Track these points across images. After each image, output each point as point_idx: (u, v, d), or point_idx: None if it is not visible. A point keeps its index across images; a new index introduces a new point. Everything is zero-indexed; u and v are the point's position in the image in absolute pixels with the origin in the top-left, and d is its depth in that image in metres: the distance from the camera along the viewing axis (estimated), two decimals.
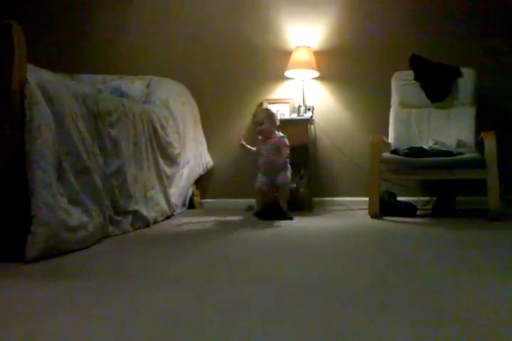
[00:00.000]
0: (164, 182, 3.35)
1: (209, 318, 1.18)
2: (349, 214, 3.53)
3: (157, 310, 1.25)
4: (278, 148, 3.22)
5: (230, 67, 4.27)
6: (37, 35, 4.36)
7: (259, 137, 3.33)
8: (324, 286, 1.47)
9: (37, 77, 2.13)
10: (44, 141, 2.02)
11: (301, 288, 1.45)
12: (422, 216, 3.33)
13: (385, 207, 3.31)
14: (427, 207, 3.61)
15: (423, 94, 3.68)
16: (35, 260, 1.87)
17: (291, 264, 1.80)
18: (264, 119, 3.23)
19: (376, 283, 1.50)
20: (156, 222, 3.06)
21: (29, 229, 1.90)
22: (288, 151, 3.24)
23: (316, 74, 4.01)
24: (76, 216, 2.14)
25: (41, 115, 2.04)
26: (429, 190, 3.84)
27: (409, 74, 3.75)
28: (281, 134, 3.29)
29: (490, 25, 3.85)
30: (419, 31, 3.97)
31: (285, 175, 3.25)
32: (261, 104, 4.10)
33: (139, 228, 2.81)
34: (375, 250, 2.10)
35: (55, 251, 1.97)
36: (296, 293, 1.38)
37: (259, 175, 3.33)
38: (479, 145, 3.24)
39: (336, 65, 4.11)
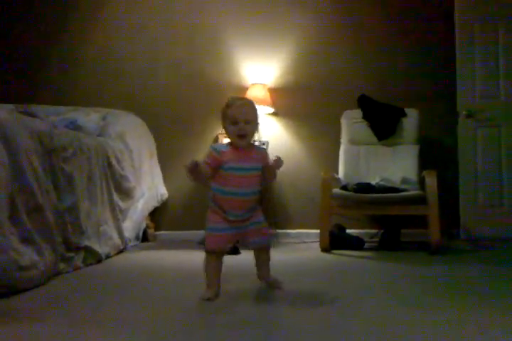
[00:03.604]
0: (118, 216, 3.37)
1: None
2: (301, 247, 3.62)
3: None
4: (258, 167, 1.96)
5: (186, 100, 4.36)
6: None
7: (240, 142, 1.93)
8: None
9: None
10: None
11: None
12: (369, 248, 3.46)
13: (335, 240, 3.43)
14: (375, 239, 3.76)
15: (370, 132, 3.87)
16: None
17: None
18: (248, 117, 1.92)
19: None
20: (108, 256, 3.06)
21: None
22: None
23: (271, 110, 4.15)
24: (27, 255, 2.14)
25: None
26: (377, 222, 4.00)
27: (358, 112, 3.95)
28: (258, 145, 2.24)
29: (433, 65, 4.11)
30: (368, 73, 4.19)
31: (263, 223, 2.03)
32: (229, 106, 2.03)
33: (91, 264, 2.81)
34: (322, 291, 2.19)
35: (5, 291, 1.97)
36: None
37: (212, 218, 1.96)
38: (422, 182, 3.42)
39: (290, 101, 4.27)
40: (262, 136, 4.14)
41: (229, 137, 1.97)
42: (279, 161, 1.96)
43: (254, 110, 1.99)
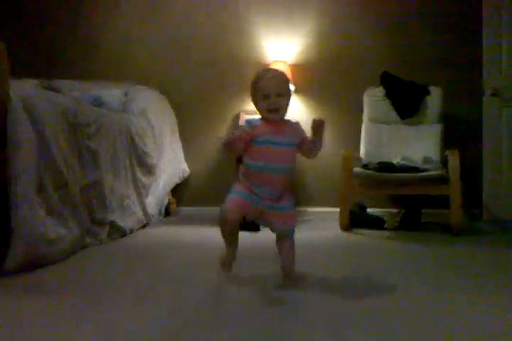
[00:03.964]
0: (141, 191, 3.42)
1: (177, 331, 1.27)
2: (321, 225, 3.64)
3: (131, 327, 1.34)
4: (295, 143, 1.85)
5: (208, 77, 4.35)
6: (14, 38, 4.38)
7: (273, 117, 1.80)
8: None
9: (19, 92, 2.19)
10: (25, 156, 2.08)
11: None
12: (390, 229, 3.47)
13: (356, 219, 3.44)
14: (396, 218, 3.75)
15: (393, 111, 3.82)
16: (15, 272, 1.93)
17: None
18: (280, 90, 1.81)
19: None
20: (132, 231, 3.13)
21: (9, 242, 1.96)
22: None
23: (292, 87, 4.12)
24: (55, 229, 2.20)
25: (23, 131, 2.10)
26: (398, 202, 3.98)
27: (381, 90, 3.90)
28: (291, 120, 1.92)
29: (458, 42, 4.02)
30: (391, 49, 4.11)
31: (291, 209, 1.88)
32: (257, 82, 1.88)
33: (116, 238, 2.87)
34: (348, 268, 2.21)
35: (34, 264, 2.03)
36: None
37: (238, 187, 1.85)
38: (444, 161, 3.39)
39: (311, 79, 4.23)
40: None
41: (260, 113, 1.83)
42: (319, 121, 1.78)
43: (287, 82, 1.86)
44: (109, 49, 4.47)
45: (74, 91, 3.83)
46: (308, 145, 1.85)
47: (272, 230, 1.87)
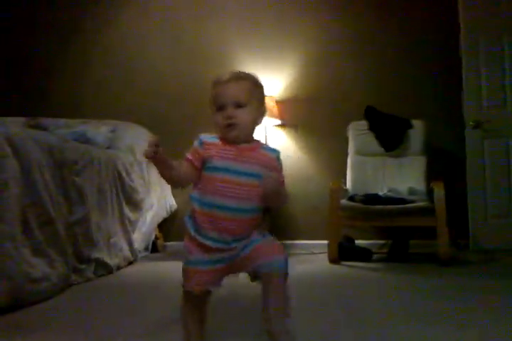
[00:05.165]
0: (127, 227, 3.40)
1: None
2: (309, 258, 3.63)
3: None
4: (260, 174, 1.33)
5: (193, 112, 4.40)
6: (1, 78, 4.43)
7: (227, 134, 1.37)
8: None
9: (5, 130, 2.21)
10: (10, 194, 2.08)
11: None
12: (378, 260, 3.46)
13: (344, 251, 3.44)
14: (383, 250, 3.76)
15: (377, 143, 3.89)
16: None
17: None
18: (240, 98, 1.38)
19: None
20: (119, 268, 3.09)
21: None
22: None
23: (278, 121, 4.18)
24: (39, 267, 2.17)
25: (9, 169, 2.11)
26: (385, 233, 3.99)
27: (365, 124, 3.97)
28: (269, 146, 1.49)
29: (439, 77, 4.13)
30: (374, 83, 4.22)
31: (267, 237, 1.39)
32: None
33: (102, 275, 2.84)
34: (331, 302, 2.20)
35: (18, 303, 2.00)
36: None
37: (191, 247, 1.35)
38: (430, 192, 3.43)
39: (297, 113, 4.30)
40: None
41: (217, 130, 1.39)
42: (267, 180, 1.29)
43: (252, 88, 1.40)
44: (96, 87, 4.53)
45: (60, 129, 3.85)
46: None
47: (254, 277, 1.34)
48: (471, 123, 3.94)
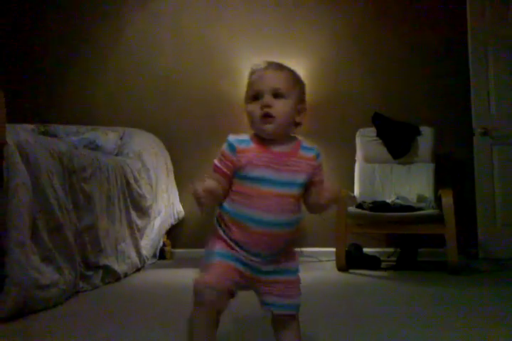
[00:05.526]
0: (135, 234, 3.41)
1: None
2: (318, 266, 3.61)
3: None
4: (301, 181, 1.24)
5: (203, 118, 4.42)
6: (13, 84, 4.47)
7: (262, 128, 1.22)
8: None
9: (15, 137, 2.22)
10: (20, 201, 2.09)
11: None
12: (386, 268, 3.44)
13: (352, 259, 3.42)
14: (391, 258, 3.74)
15: (385, 150, 3.88)
16: (7, 319, 1.90)
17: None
18: (280, 85, 1.24)
19: None
20: (126, 275, 3.09)
21: (2, 287, 1.94)
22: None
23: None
24: (48, 274, 2.18)
25: (18, 175, 2.12)
26: (394, 241, 3.97)
27: (372, 130, 3.97)
28: (307, 144, 1.31)
29: (447, 83, 4.13)
30: (382, 90, 4.21)
31: (295, 274, 1.29)
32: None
33: (110, 282, 2.84)
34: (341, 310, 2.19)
35: (26, 310, 2.01)
36: None
37: (218, 245, 1.24)
38: (438, 200, 3.41)
39: (305, 120, 4.30)
40: None
41: (250, 125, 1.22)
42: (333, 191, 1.24)
43: (293, 80, 1.26)
44: (105, 94, 4.56)
45: (70, 136, 3.88)
46: (319, 197, 1.26)
47: (265, 304, 1.24)
48: (479, 130, 3.93)
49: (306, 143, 1.30)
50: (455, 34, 4.13)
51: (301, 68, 4.35)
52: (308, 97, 4.28)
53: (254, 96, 1.23)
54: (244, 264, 1.21)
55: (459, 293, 2.51)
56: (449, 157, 4.03)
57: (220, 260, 1.19)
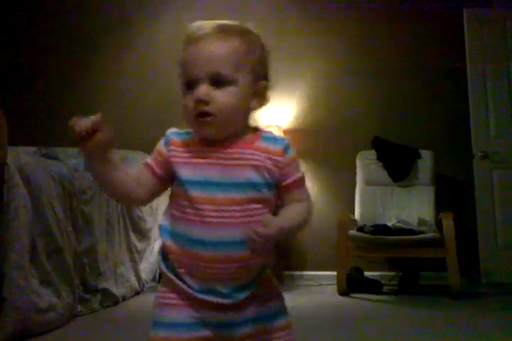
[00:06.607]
0: (135, 257, 3.38)
1: None
2: (317, 290, 3.57)
3: None
4: (258, 183, 0.89)
5: None
6: (15, 106, 4.50)
7: (198, 131, 0.93)
8: None
9: (16, 160, 2.23)
10: (20, 223, 2.08)
11: None
12: (388, 293, 3.40)
13: (353, 283, 3.39)
14: (393, 282, 3.70)
15: (386, 173, 3.89)
16: None
17: None
18: (223, 66, 0.87)
19: None
20: (125, 298, 3.06)
21: (0, 311, 1.92)
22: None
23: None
24: (46, 297, 2.16)
25: (19, 197, 2.12)
26: (395, 264, 3.94)
27: (373, 153, 3.98)
28: (275, 134, 1.00)
29: (446, 107, 4.16)
30: (382, 113, 4.24)
31: (282, 319, 0.93)
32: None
33: (108, 306, 2.81)
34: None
35: (25, 334, 1.98)
36: None
37: (165, 301, 0.93)
38: (439, 223, 3.40)
39: (305, 143, 4.32)
40: None
41: (186, 121, 0.95)
42: (252, 239, 0.84)
43: (243, 48, 0.89)
44: (107, 116, 4.57)
45: (71, 158, 3.88)
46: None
47: None
48: (479, 153, 3.94)
49: (272, 133, 0.98)
50: (454, 58, 4.17)
51: (302, 91, 4.40)
52: (309, 120, 4.15)
53: (187, 83, 0.88)
54: (201, 323, 0.86)
55: (461, 318, 2.47)
56: (449, 180, 4.03)
57: (169, 336, 0.86)
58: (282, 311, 0.93)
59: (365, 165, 3.96)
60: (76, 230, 2.61)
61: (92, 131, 0.85)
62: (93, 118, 0.87)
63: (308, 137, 4.33)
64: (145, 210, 3.68)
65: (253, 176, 0.89)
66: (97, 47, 4.69)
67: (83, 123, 0.86)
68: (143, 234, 3.60)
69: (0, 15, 4.72)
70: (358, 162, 4.01)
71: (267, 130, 0.98)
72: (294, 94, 4.40)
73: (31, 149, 3.85)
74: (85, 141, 0.86)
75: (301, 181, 0.96)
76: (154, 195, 0.95)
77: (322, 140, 4.31)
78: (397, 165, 3.87)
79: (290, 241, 0.92)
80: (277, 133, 0.91)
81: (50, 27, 4.74)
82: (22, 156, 2.37)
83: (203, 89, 0.86)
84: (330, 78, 4.38)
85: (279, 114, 4.37)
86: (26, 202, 2.16)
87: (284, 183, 0.94)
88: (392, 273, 3.86)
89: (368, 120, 4.26)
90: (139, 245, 3.52)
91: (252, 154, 0.90)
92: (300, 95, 4.40)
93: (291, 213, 0.94)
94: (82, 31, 4.70)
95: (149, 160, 0.95)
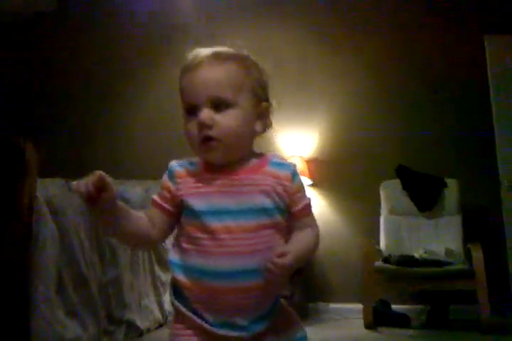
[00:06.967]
0: (159, 289, 3.38)
1: None
2: (343, 323, 3.50)
3: None
4: (267, 208, 0.91)
5: None
6: (44, 140, 4.63)
7: (204, 156, 1.00)
8: None
9: (44, 192, 2.29)
10: (47, 255, 2.12)
11: None
12: (416, 327, 3.31)
13: (379, 316, 3.31)
14: (422, 316, 3.60)
15: (411, 203, 3.84)
16: None
17: None
18: (219, 90, 0.90)
19: None
20: (148, 330, 3.04)
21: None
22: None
23: (309, 181, 4.20)
24: (72, 328, 2.17)
25: (47, 229, 2.16)
26: (423, 298, 3.84)
27: (397, 182, 3.94)
28: (281, 159, 1.02)
29: (472, 136, 4.12)
30: (406, 141, 4.21)
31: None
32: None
33: (132, 338, 2.80)
34: None
35: None
36: None
37: (180, 320, 0.96)
38: (467, 253, 3.32)
39: (327, 172, 4.32)
40: None
41: (192, 147, 0.98)
42: (270, 270, 0.84)
43: (242, 72, 0.93)
44: (132, 148, 4.67)
45: None
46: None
47: None
48: (506, 183, 3.87)
49: (279, 157, 0.97)
50: (477, 83, 4.13)
51: (324, 120, 4.41)
52: (331, 149, 4.13)
53: (189, 109, 0.90)
54: None
55: None
56: (476, 209, 3.95)
57: None
58: (301, 338, 0.93)
59: (390, 195, 3.93)
60: (101, 261, 2.64)
61: (97, 191, 0.85)
62: (93, 179, 0.87)
63: (331, 167, 4.33)
64: (169, 241, 3.69)
65: (265, 202, 0.89)
66: (115, 93, 4.81)
67: (84, 187, 0.85)
68: (167, 266, 3.60)
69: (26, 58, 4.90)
70: (381, 191, 3.97)
71: (272, 154, 0.99)
72: (315, 124, 4.42)
73: (60, 182, 3.93)
74: (93, 201, 0.85)
75: (308, 208, 0.97)
76: (167, 233, 0.96)
77: (345, 170, 4.29)
78: (423, 195, 3.83)
79: (301, 268, 0.87)
80: (282, 157, 0.90)
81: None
82: (50, 188, 2.43)
83: (206, 113, 0.88)
84: (351, 108, 4.39)
85: (301, 144, 4.39)
86: (54, 234, 2.20)
87: (292, 210, 0.95)
88: (421, 307, 3.76)
89: (391, 149, 4.21)
90: (164, 276, 3.52)
91: (262, 179, 0.91)
92: (321, 125, 4.42)
93: (302, 240, 0.93)
94: (106, 67, 4.86)
95: (157, 197, 0.95)
